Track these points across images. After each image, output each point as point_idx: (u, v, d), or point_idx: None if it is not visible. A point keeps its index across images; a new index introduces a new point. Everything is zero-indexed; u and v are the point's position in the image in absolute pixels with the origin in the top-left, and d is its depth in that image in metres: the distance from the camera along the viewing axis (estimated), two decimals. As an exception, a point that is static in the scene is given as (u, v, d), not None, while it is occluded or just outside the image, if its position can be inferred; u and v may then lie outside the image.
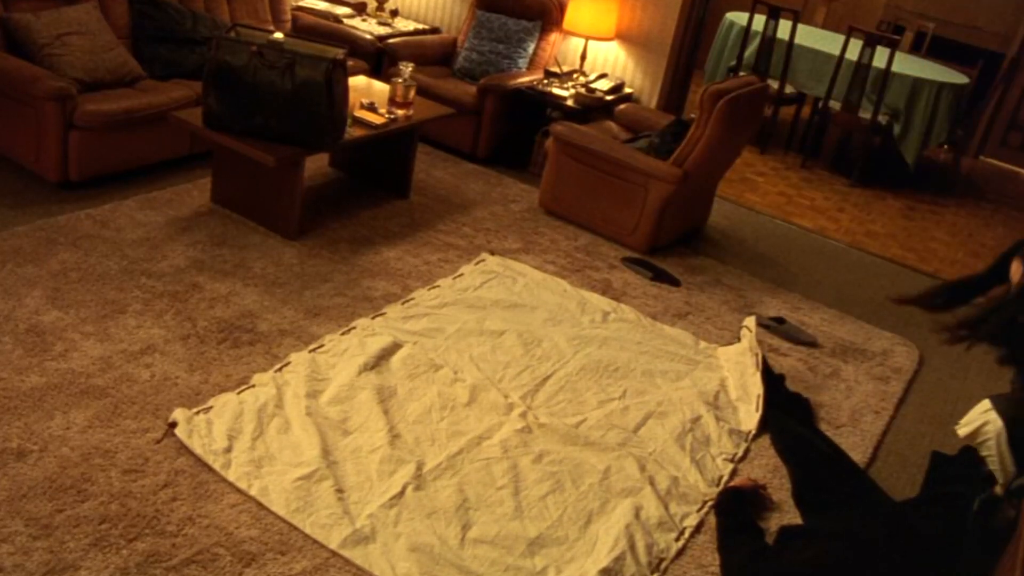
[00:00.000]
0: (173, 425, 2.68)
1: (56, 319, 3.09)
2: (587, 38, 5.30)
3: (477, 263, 4.03)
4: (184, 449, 2.62)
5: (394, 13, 6.05)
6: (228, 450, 2.62)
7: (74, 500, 2.38)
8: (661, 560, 2.55)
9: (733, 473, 2.97)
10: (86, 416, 2.67)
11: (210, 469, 2.56)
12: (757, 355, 3.48)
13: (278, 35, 3.73)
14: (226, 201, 4.07)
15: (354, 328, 3.35)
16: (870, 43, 5.95)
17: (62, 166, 3.88)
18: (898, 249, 5.27)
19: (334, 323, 3.38)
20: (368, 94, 4.45)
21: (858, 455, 3.17)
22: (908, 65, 6.35)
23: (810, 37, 6.76)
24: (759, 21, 6.39)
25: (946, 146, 6.74)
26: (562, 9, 5.39)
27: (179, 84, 4.37)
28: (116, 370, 2.90)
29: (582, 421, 3.07)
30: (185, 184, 4.24)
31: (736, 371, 3.48)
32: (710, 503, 2.79)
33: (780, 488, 2.94)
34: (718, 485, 2.89)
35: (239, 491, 2.51)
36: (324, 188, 4.54)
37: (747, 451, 3.09)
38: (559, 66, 5.37)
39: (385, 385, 3.05)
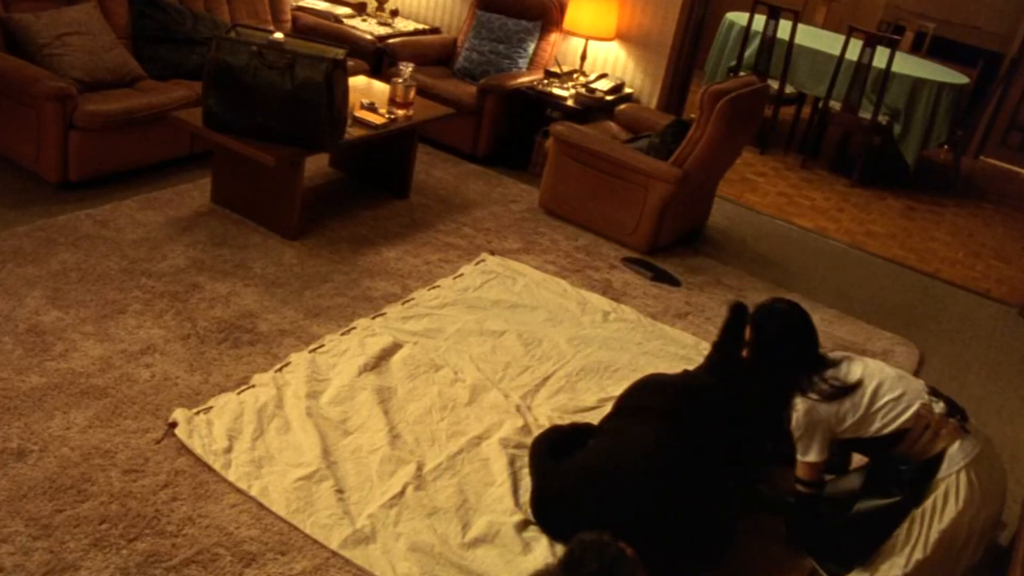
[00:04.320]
0: (173, 425, 2.68)
1: (56, 319, 3.09)
2: (587, 38, 5.29)
3: (477, 263, 4.03)
4: (184, 449, 2.62)
5: (394, 13, 6.05)
6: (228, 450, 2.62)
7: (74, 500, 2.38)
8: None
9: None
10: (86, 416, 2.67)
11: (210, 469, 2.56)
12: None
13: (278, 35, 3.73)
14: (226, 201, 4.06)
15: (354, 328, 3.35)
16: (870, 43, 5.95)
17: (62, 166, 3.88)
18: (898, 249, 5.27)
19: (334, 323, 3.38)
20: (368, 94, 4.45)
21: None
22: (908, 65, 6.35)
23: (810, 37, 6.76)
24: (759, 21, 6.39)
25: (946, 146, 6.74)
26: (562, 9, 5.39)
27: (179, 84, 4.37)
28: (116, 370, 2.90)
29: (582, 421, 3.06)
30: (185, 184, 4.24)
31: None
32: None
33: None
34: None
35: (239, 491, 2.51)
36: (324, 188, 4.54)
37: (747, 451, 3.09)
38: (559, 66, 5.36)
39: (385, 385, 3.05)
